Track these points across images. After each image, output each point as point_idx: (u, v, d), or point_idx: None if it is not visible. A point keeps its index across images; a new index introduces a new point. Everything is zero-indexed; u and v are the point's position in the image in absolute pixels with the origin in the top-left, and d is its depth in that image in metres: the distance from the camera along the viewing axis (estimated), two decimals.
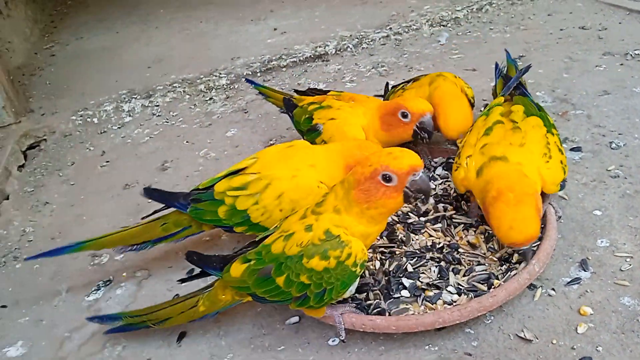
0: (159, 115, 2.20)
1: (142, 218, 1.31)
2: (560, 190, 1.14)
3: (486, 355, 0.97)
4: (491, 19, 2.49)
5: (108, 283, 1.35)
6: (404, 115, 1.34)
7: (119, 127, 2.17)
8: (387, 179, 0.94)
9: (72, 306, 1.30)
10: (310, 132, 1.45)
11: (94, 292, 1.33)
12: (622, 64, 1.85)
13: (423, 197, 0.98)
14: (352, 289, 1.02)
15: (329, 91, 1.57)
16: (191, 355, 1.11)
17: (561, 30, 2.22)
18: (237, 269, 1.02)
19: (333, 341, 1.06)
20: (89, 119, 2.24)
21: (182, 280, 1.16)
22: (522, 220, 1.01)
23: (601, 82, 1.77)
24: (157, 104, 2.28)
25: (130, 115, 2.24)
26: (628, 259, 1.09)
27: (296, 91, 1.69)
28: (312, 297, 0.98)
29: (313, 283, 0.97)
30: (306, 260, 0.96)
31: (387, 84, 1.76)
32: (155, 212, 1.30)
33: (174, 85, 2.39)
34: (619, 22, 2.18)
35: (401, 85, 1.62)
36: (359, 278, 1.01)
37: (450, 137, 1.39)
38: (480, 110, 1.54)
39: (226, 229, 1.24)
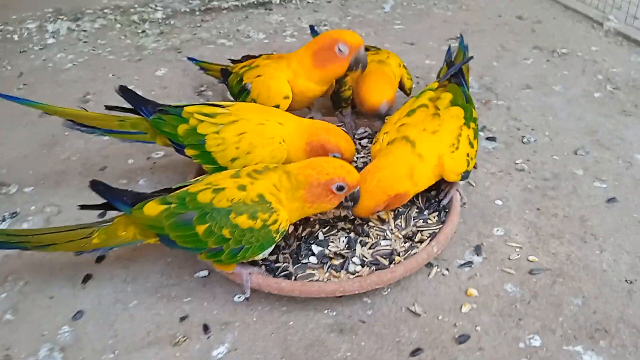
0: (85, 42, 2.09)
1: (106, 106, 1.30)
2: (461, 180, 1.21)
3: (378, 324, 1.05)
4: None
5: (14, 215, 1.31)
6: (341, 50, 1.33)
7: (40, 49, 2.04)
8: (340, 189, 1.05)
9: None
10: (241, 93, 1.44)
11: None
12: (548, 60, 1.95)
13: (352, 204, 1.11)
14: (266, 253, 1.06)
15: (261, 55, 1.55)
16: (95, 298, 1.11)
17: (499, 17, 2.29)
18: (153, 208, 1.03)
19: (238, 298, 1.11)
20: (8, 35, 2.10)
21: (82, 207, 1.11)
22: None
23: (526, 75, 1.86)
24: (85, 29, 2.16)
25: (54, 37, 2.11)
26: (517, 250, 1.20)
27: (231, 60, 1.67)
28: (227, 252, 1.01)
29: (233, 238, 1.00)
30: (234, 216, 0.99)
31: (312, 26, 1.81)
32: (118, 107, 1.30)
33: (105, 11, 2.26)
34: (553, 17, 2.28)
35: None
36: (274, 245, 1.06)
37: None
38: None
39: (178, 147, 1.25)
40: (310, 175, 1.05)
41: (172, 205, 1.02)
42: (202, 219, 1.00)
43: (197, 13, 2.30)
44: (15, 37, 2.09)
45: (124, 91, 1.28)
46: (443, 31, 2.17)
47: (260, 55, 1.53)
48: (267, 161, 1.17)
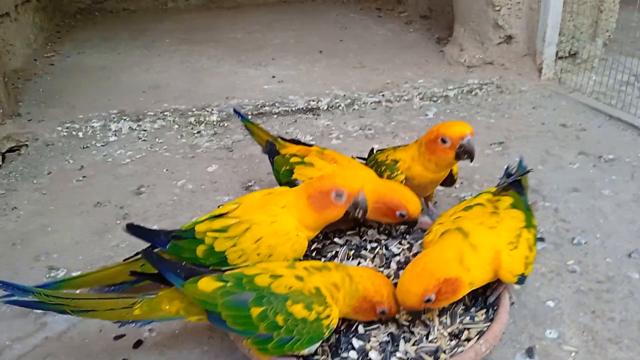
0: (144, 140, 2.22)
1: (124, 260, 1.28)
2: (517, 283, 1.14)
3: None
4: (479, 102, 2.59)
5: None
6: (402, 216, 1.35)
7: (102, 145, 2.18)
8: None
9: (19, 313, 1.28)
10: (288, 185, 1.48)
11: None
12: (594, 165, 1.94)
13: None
14: (312, 348, 1.04)
15: (313, 145, 1.61)
16: None
17: (542, 124, 2.32)
18: (208, 283, 1.03)
19: None
20: (74, 132, 2.25)
21: (133, 273, 1.11)
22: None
23: (572, 179, 1.84)
24: (145, 128, 2.31)
25: (116, 135, 2.26)
26: (573, 354, 1.12)
27: (281, 138, 1.73)
28: (276, 341, 0.99)
29: (285, 327, 0.98)
30: (290, 303, 0.99)
31: (372, 149, 1.81)
32: (136, 254, 1.27)
33: (165, 113, 2.42)
34: (598, 125, 2.29)
35: (392, 148, 1.62)
36: (321, 342, 1.03)
37: (458, 135, 1.37)
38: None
39: (201, 268, 1.24)
40: (367, 289, 1.07)
41: (229, 284, 1.02)
42: (259, 301, 1.00)
43: (250, 116, 2.43)
44: (80, 134, 2.25)
45: (132, 229, 1.24)
46: (486, 137, 2.20)
47: (312, 146, 1.58)
48: (290, 257, 1.18)
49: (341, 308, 1.06)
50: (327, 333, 1.01)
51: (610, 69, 2.47)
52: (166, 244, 1.23)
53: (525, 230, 1.17)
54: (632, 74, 2.41)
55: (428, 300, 1.06)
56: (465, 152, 1.39)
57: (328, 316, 1.01)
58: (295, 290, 1.01)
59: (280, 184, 1.54)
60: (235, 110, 1.93)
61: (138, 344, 1.19)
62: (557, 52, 2.78)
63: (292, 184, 1.45)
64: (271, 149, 1.61)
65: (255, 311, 0.99)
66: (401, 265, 1.32)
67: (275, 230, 1.19)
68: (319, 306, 1.00)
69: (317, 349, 1.09)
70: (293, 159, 1.51)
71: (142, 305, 1.06)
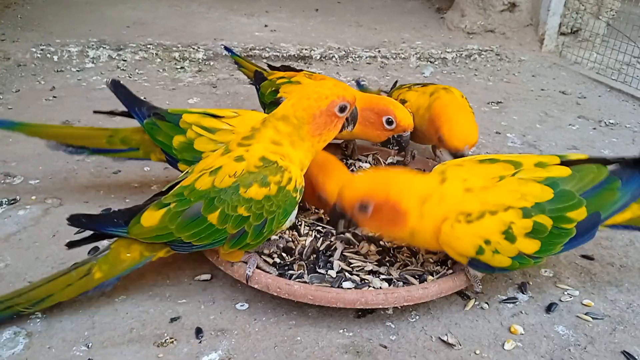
0: (123, 69, 2.09)
1: (95, 112, 1.17)
2: (470, 266, 0.93)
3: (402, 351, 0.87)
4: (477, 67, 2.50)
5: (13, 202, 1.21)
6: (389, 122, 1.23)
7: (78, 70, 2.04)
8: (342, 109, 0.93)
9: None
10: (273, 105, 1.36)
11: None
12: (594, 128, 1.85)
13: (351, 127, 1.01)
14: (292, 218, 0.93)
15: (302, 70, 1.49)
16: None
17: (542, 90, 2.24)
18: (150, 217, 0.90)
19: (241, 305, 0.95)
20: (48, 55, 2.11)
21: (70, 245, 0.94)
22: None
23: (572, 138, 1.76)
24: (125, 58, 2.17)
25: (93, 63, 2.12)
26: (568, 291, 1.03)
27: (269, 66, 1.61)
28: (251, 232, 0.88)
29: (252, 214, 0.87)
30: (244, 190, 0.87)
31: (396, 82, 1.71)
32: (110, 112, 1.20)
33: (148, 46, 2.29)
34: (598, 95, 2.21)
35: (408, 85, 1.52)
36: (297, 206, 0.93)
37: (455, 146, 1.20)
38: None
39: (171, 160, 1.13)
40: (310, 106, 0.92)
41: (172, 205, 0.89)
42: (211, 205, 0.87)
43: None
44: (55, 58, 2.10)
45: (116, 87, 1.14)
46: (483, 96, 2.11)
47: (301, 70, 1.46)
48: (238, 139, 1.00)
49: (300, 151, 0.91)
50: (298, 196, 0.89)
51: (611, 49, 2.39)
52: (144, 119, 1.10)
53: (516, 213, 0.87)
54: (633, 55, 2.33)
55: (362, 207, 0.89)
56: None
57: (290, 179, 0.88)
58: (242, 175, 0.87)
59: (265, 109, 1.42)
60: (224, 47, 1.82)
61: (94, 250, 1.07)
62: (559, 25, 2.69)
63: (276, 102, 1.34)
64: (258, 77, 1.49)
65: (213, 217, 0.87)
66: None
67: None
68: (274, 176, 0.87)
69: (293, 265, 0.99)
70: (279, 80, 1.40)
71: (100, 266, 0.91)
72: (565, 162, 0.94)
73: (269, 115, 0.94)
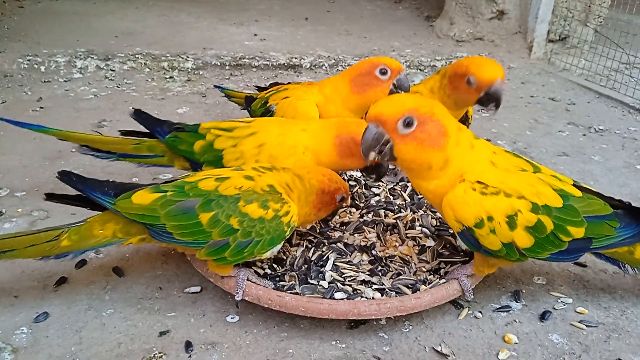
0: (111, 79, 2.07)
1: (120, 132, 1.23)
2: (466, 244, 0.93)
3: None
4: None
5: None
6: (383, 72, 1.21)
7: (65, 81, 2.02)
8: (341, 200, 1.03)
9: None
10: (264, 115, 1.35)
11: None
12: (584, 135, 1.86)
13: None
14: (275, 250, 0.93)
15: (290, 83, 1.48)
16: (65, 302, 0.95)
17: (531, 97, 2.24)
18: (143, 196, 0.89)
19: (232, 318, 0.94)
20: (35, 65, 2.09)
21: (49, 197, 0.95)
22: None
23: (562, 144, 1.76)
24: (114, 68, 2.15)
25: (81, 73, 2.10)
26: (562, 299, 1.02)
27: (257, 87, 1.62)
28: (233, 247, 0.87)
29: (242, 230, 0.86)
30: (243, 204, 0.87)
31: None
32: (133, 132, 1.22)
33: (137, 56, 2.27)
34: (587, 101, 2.22)
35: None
36: (283, 243, 0.93)
37: (489, 78, 1.14)
38: None
39: (194, 166, 1.14)
40: (322, 181, 0.97)
41: (169, 193, 0.89)
42: (207, 205, 0.87)
43: (227, 67, 2.29)
44: (42, 69, 2.08)
45: (138, 114, 1.20)
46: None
47: (289, 83, 1.46)
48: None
49: (301, 208, 0.94)
50: (288, 232, 0.90)
51: (600, 55, 2.40)
52: (165, 136, 1.14)
53: (527, 205, 0.87)
54: (621, 61, 2.34)
55: (406, 121, 0.84)
56: (491, 100, 1.17)
57: (287, 213, 0.89)
58: (247, 190, 0.88)
59: None
60: (215, 86, 1.84)
61: (82, 263, 1.05)
62: (548, 32, 2.71)
63: (267, 112, 1.33)
64: (249, 101, 1.48)
65: (205, 217, 0.86)
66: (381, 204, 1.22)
67: (281, 142, 1.07)
68: (275, 203, 0.88)
69: (284, 275, 0.98)
70: (268, 94, 1.39)
71: (70, 235, 0.90)
72: (577, 186, 0.95)
73: (290, 168, 0.99)
